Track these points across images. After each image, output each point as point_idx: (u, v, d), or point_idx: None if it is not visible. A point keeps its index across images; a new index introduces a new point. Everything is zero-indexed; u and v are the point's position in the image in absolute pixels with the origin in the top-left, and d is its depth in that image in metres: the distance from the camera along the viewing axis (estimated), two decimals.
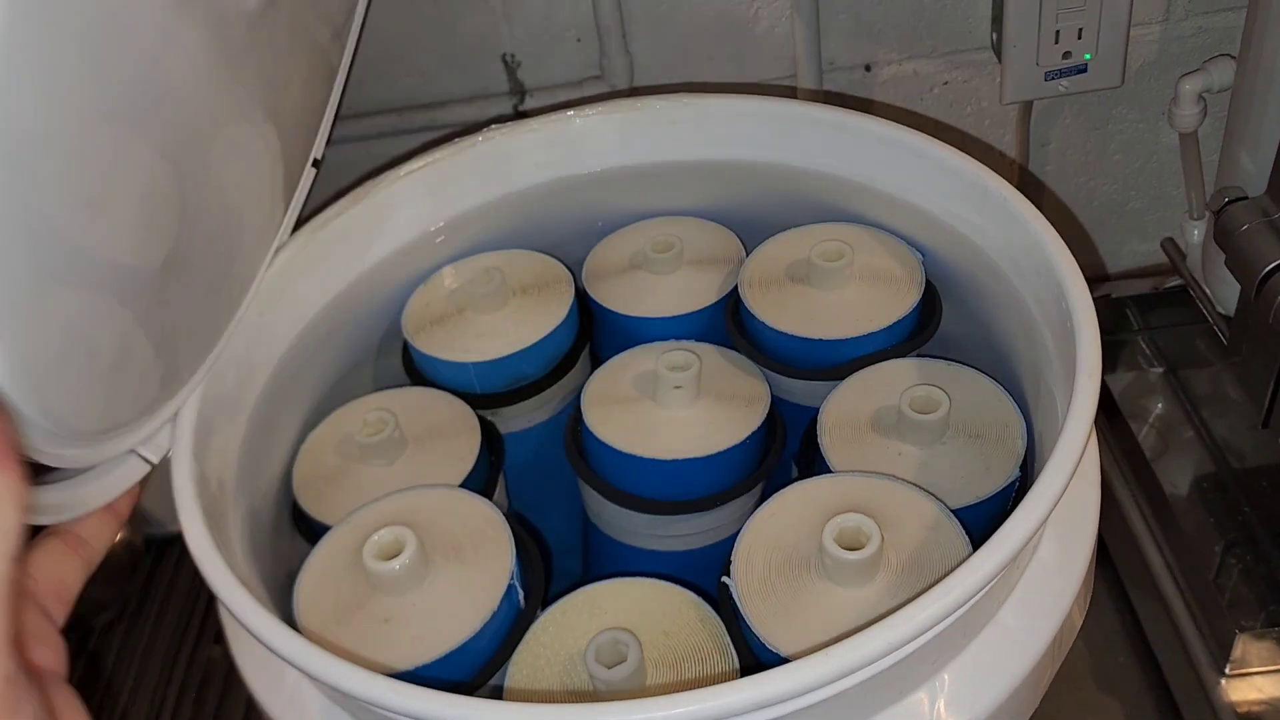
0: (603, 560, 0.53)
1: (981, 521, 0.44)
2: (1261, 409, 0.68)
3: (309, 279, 0.52)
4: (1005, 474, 0.44)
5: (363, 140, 0.75)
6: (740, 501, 0.49)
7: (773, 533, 0.42)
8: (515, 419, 0.54)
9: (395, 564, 0.41)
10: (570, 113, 0.57)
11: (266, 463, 0.49)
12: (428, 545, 0.43)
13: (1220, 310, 0.76)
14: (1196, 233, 0.79)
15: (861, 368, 0.50)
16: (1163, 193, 0.85)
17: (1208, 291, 0.77)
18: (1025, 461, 0.45)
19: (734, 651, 0.40)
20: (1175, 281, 0.83)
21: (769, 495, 0.44)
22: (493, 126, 0.57)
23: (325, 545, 0.44)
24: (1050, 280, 0.43)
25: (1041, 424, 0.45)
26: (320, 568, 0.44)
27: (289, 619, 0.42)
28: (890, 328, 0.50)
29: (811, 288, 0.52)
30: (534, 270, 0.56)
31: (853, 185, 0.54)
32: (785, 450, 0.50)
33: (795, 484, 0.43)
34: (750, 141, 0.56)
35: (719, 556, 0.52)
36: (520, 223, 0.59)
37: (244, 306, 0.48)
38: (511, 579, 0.42)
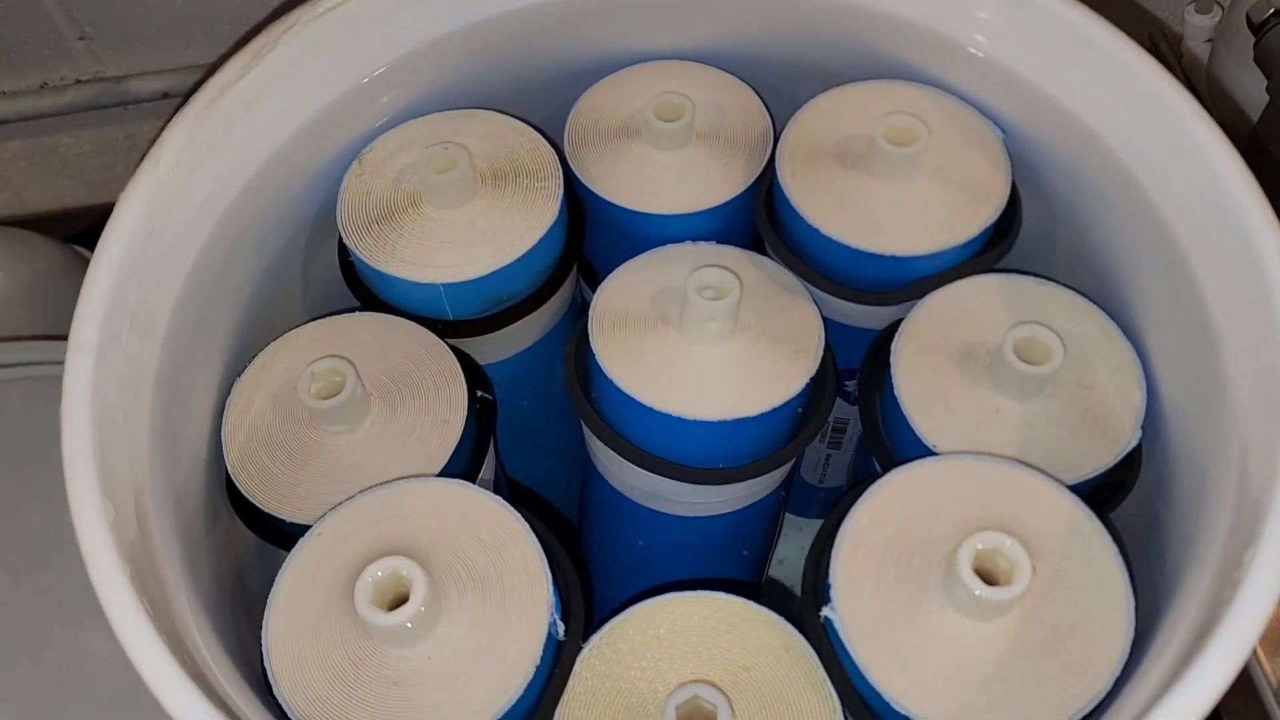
0: (609, 520, 0.45)
1: (1098, 492, 0.38)
2: None
3: (205, 171, 0.38)
4: (1124, 435, 0.37)
5: None
6: (786, 466, 0.41)
7: (879, 542, 0.34)
8: (493, 348, 0.43)
9: (403, 616, 0.31)
10: None
11: (185, 432, 0.37)
12: (437, 574, 0.33)
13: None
14: (1201, 26, 0.70)
15: (932, 288, 0.40)
16: None
17: (1206, 101, 0.69)
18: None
19: (832, 689, 0.33)
20: None
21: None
22: None
23: (294, 573, 0.34)
24: (1221, 209, 0.34)
25: (1166, 371, 0.38)
26: (294, 610, 0.33)
27: (258, 672, 0.33)
28: (972, 240, 0.40)
29: (870, 177, 0.41)
30: (505, 143, 0.43)
31: (918, 31, 0.42)
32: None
33: (896, 472, 0.35)
34: None
35: (751, 519, 0.44)
36: (478, 70, 0.45)
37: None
38: (551, 612, 0.33)
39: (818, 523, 0.59)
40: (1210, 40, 0.68)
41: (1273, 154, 0.59)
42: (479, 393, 0.39)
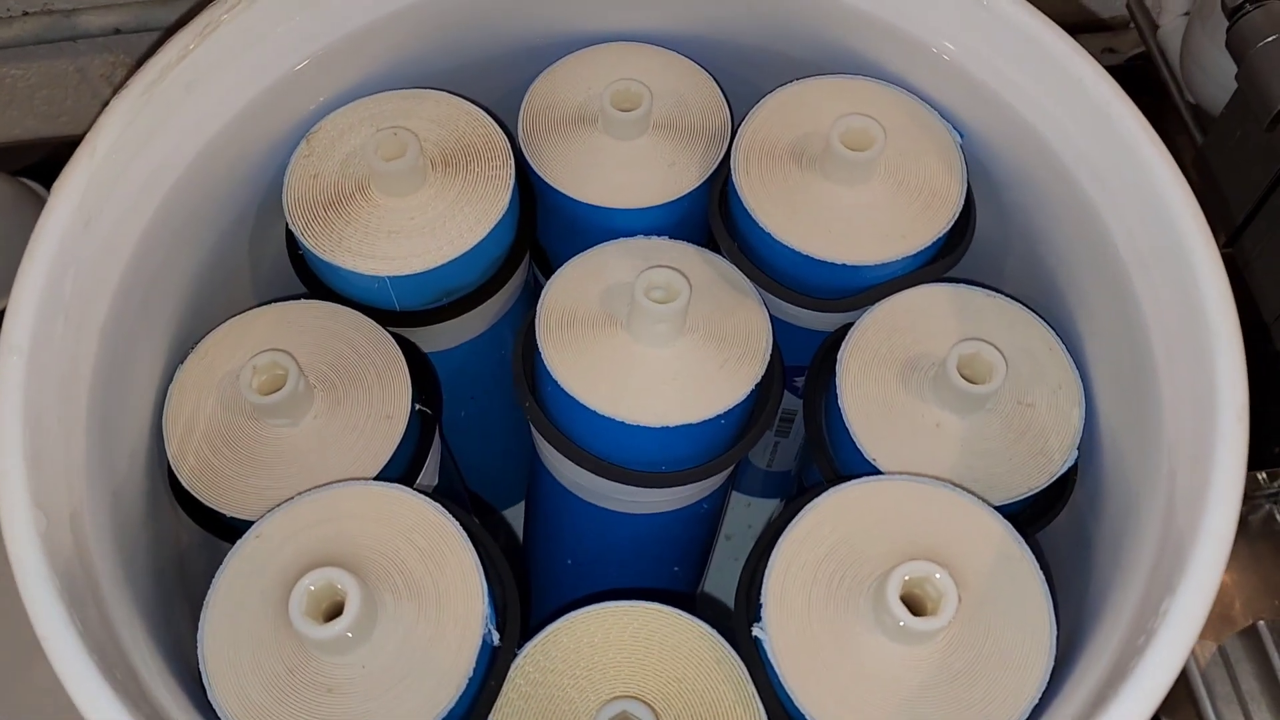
0: (554, 513, 0.45)
1: (1031, 513, 0.38)
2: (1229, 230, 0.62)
3: (145, 156, 0.37)
4: (1060, 456, 0.38)
5: None
6: (729, 469, 0.41)
7: (812, 560, 0.34)
8: (441, 336, 0.42)
9: (338, 629, 0.31)
10: None
11: (124, 423, 0.37)
12: (372, 582, 0.33)
13: (1190, 98, 0.68)
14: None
15: (883, 295, 0.40)
16: None
17: (1179, 75, 0.69)
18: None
19: (759, 704, 0.34)
20: (1137, 49, 0.74)
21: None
22: None
23: (230, 577, 0.34)
24: (1162, 230, 0.34)
25: (1105, 390, 0.38)
26: (230, 614, 0.33)
27: (194, 669, 0.33)
28: (925, 249, 0.40)
29: (825, 179, 0.41)
30: (456, 128, 0.42)
31: (883, 27, 0.41)
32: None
33: (832, 491, 0.35)
34: None
35: (695, 519, 0.45)
36: (430, 47, 0.44)
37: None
38: (485, 623, 0.34)
39: (765, 501, 0.60)
40: (1187, 14, 0.68)
41: (1234, 141, 0.58)
42: (418, 407, 0.39)
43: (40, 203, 0.71)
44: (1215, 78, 0.64)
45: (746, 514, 0.60)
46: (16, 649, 0.50)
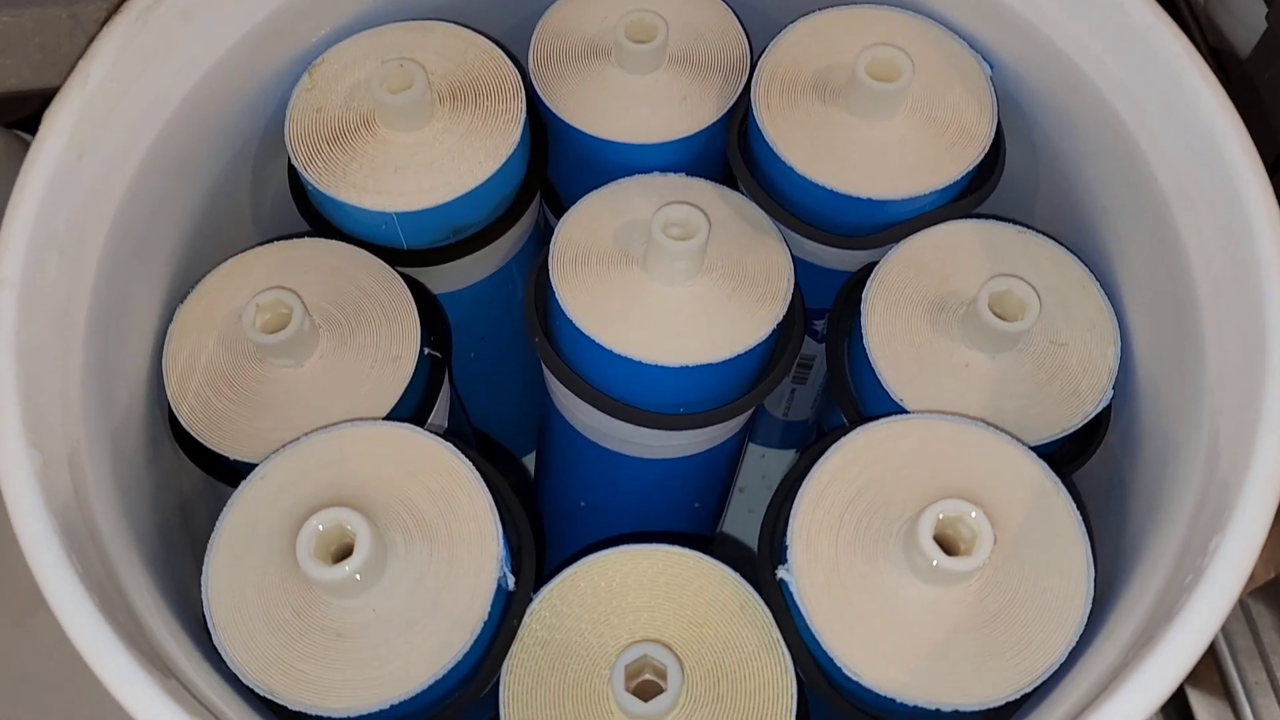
0: (567, 459, 0.44)
1: (1063, 455, 0.37)
2: None
3: (140, 86, 0.36)
4: (1095, 396, 0.36)
5: None
6: (748, 412, 0.40)
7: (839, 502, 0.33)
8: (450, 276, 0.41)
9: (347, 570, 0.30)
10: None
11: (123, 364, 0.36)
12: (383, 524, 0.32)
13: (1213, 41, 0.66)
14: None
15: (908, 233, 0.39)
16: None
17: (1201, 18, 0.67)
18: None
19: (785, 650, 0.33)
20: None
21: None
22: None
23: (235, 518, 0.33)
24: (1208, 161, 0.33)
25: (1142, 330, 0.37)
26: (235, 557, 0.32)
27: (199, 615, 0.32)
28: (952, 184, 0.38)
29: (850, 113, 0.39)
30: (465, 60, 0.41)
31: None
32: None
33: (860, 430, 0.34)
34: None
35: (711, 462, 0.43)
36: None
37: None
38: (500, 565, 0.32)
39: (780, 452, 0.58)
40: None
41: (1263, 83, 0.57)
42: (428, 344, 0.37)
43: None
44: (1243, 19, 0.63)
45: (761, 465, 0.58)
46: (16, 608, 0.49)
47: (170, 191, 0.37)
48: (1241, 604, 0.52)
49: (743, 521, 0.57)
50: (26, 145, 0.69)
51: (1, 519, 0.52)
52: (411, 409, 0.37)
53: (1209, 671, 0.51)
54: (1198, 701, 0.47)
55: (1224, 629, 0.51)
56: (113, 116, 0.34)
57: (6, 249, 0.31)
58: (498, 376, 0.47)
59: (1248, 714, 0.45)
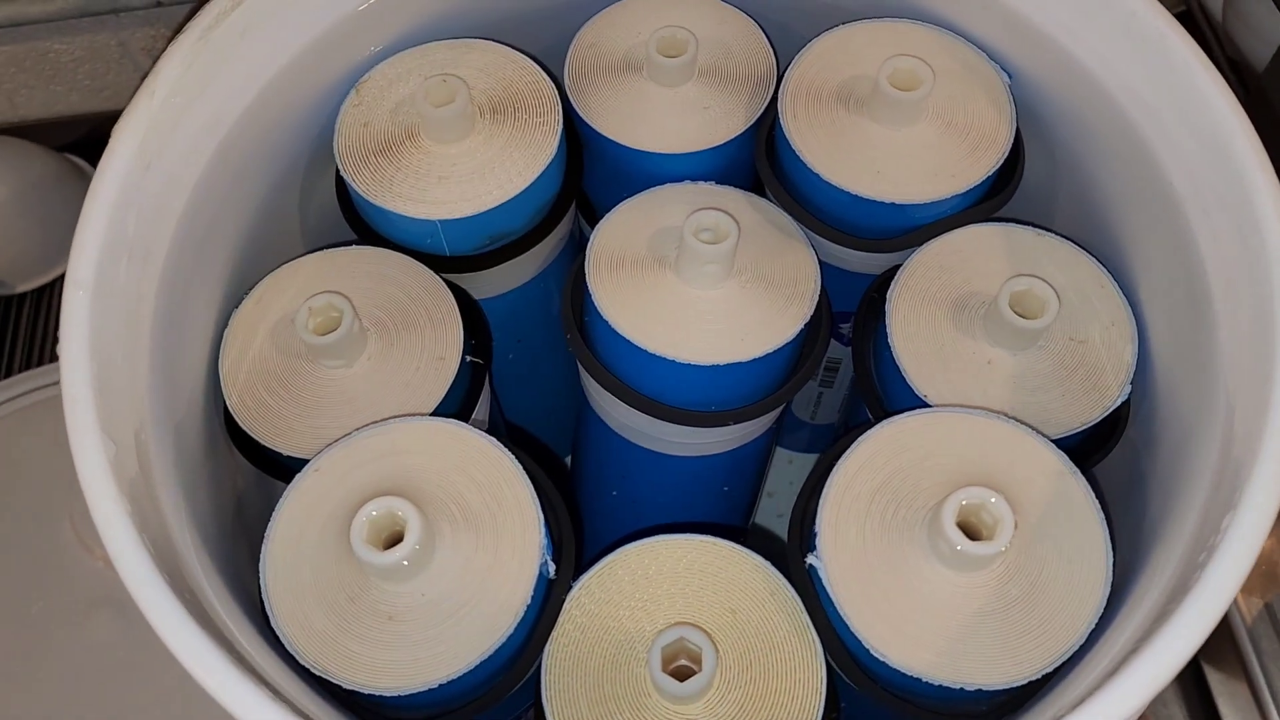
0: (602, 457, 0.45)
1: (1084, 445, 0.38)
2: None
3: (202, 101, 0.38)
4: (1114, 391, 0.38)
5: None
6: (778, 409, 0.41)
7: (866, 491, 0.34)
8: (490, 282, 0.43)
9: (398, 555, 0.32)
10: None
11: (184, 365, 0.38)
12: (431, 513, 0.34)
13: (1231, 53, 0.67)
14: None
15: (930, 236, 0.40)
16: None
17: (1220, 30, 0.68)
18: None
19: (815, 634, 0.34)
20: (1179, 9, 0.74)
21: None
22: None
23: (291, 508, 0.35)
24: (1220, 165, 0.34)
25: (1159, 327, 0.38)
26: (291, 544, 0.34)
27: (256, 603, 0.34)
28: (973, 188, 0.40)
29: (873, 120, 0.41)
30: (504, 76, 0.43)
31: None
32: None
33: (887, 423, 0.35)
34: None
35: (742, 460, 0.45)
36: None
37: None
38: (543, 553, 0.34)
39: (807, 457, 0.60)
40: None
41: (1278, 98, 0.58)
42: (470, 348, 0.39)
43: (84, 179, 0.72)
44: (1260, 32, 0.64)
45: (789, 471, 0.60)
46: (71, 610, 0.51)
47: (228, 200, 0.39)
48: (1268, 606, 0.53)
49: (772, 526, 0.58)
50: (76, 168, 0.72)
51: (55, 534, 0.54)
52: (455, 407, 0.39)
53: (1235, 672, 0.51)
54: (1216, 683, 0.48)
55: (1250, 631, 0.52)
56: (177, 129, 0.37)
57: (83, 252, 0.32)
58: (533, 376, 0.49)
59: (1266, 697, 0.46)
